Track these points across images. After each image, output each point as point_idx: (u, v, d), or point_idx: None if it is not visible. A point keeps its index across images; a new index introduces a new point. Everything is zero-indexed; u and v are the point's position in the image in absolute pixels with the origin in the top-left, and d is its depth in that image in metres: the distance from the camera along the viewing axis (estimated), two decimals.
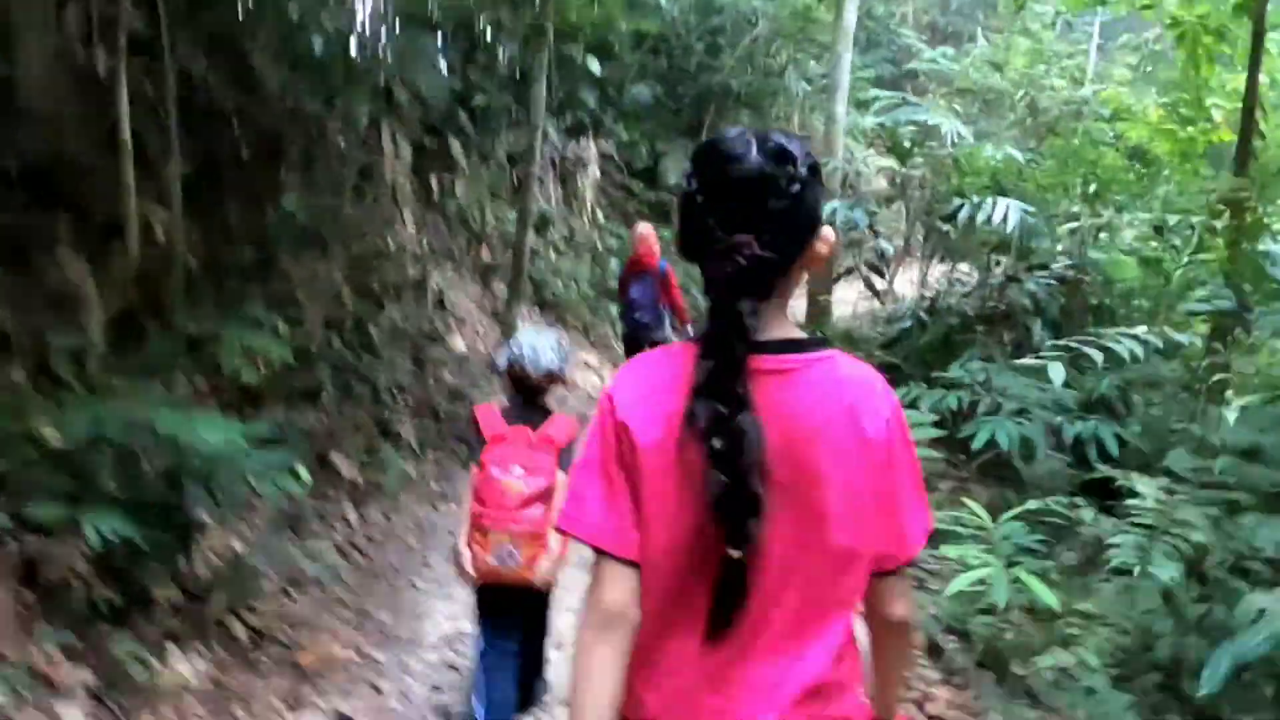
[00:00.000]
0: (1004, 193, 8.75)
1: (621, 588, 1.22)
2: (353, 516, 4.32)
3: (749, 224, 1.18)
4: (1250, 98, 5.69)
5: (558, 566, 2.88)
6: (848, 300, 10.88)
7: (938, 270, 10.30)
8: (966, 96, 10.54)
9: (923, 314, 8.74)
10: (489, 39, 9.43)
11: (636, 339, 7.22)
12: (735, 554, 1.17)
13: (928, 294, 9.47)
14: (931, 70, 12.99)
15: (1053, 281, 8.82)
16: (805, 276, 1.38)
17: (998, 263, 9.41)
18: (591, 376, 8.68)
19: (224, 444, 2.44)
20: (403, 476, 4.94)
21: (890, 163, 10.73)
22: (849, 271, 9.98)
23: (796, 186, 1.19)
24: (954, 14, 20.56)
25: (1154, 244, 8.23)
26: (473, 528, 2.87)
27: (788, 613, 1.23)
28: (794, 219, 1.21)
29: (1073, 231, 8.96)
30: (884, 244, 10.19)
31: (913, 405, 5.30)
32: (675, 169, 13.29)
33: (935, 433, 4.63)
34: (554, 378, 3.00)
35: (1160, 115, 7.62)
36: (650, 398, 1.24)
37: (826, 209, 8.80)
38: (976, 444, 5.14)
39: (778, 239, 1.19)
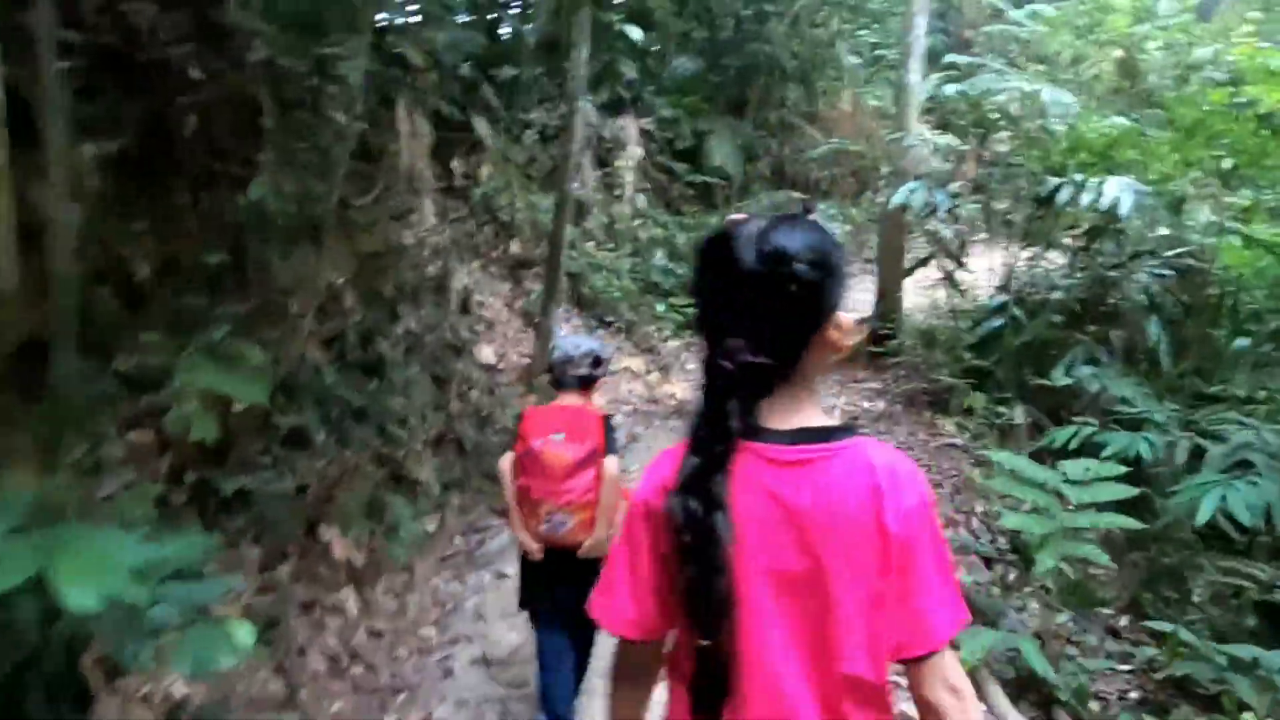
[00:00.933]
0: (1112, 170, 7.57)
1: (644, 652, 1.40)
2: (351, 604, 3.30)
3: (742, 327, 1.26)
4: None
5: (611, 536, 2.76)
6: (923, 291, 9.73)
7: (1022, 258, 9.11)
8: (1050, 64, 9.29)
9: (1016, 310, 7.57)
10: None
11: None
12: (704, 643, 1.25)
13: (1015, 285, 8.30)
14: (998, 35, 11.75)
15: (1168, 272, 7.62)
16: (832, 357, 1.35)
17: (1098, 251, 8.22)
18: (636, 385, 7.63)
19: (106, 603, 1.44)
20: (417, 539, 3.93)
21: (948, 139, 9.58)
22: (925, 261, 8.84)
23: (794, 286, 1.25)
24: None
25: None
26: (521, 505, 2.90)
27: (797, 700, 1.25)
28: (792, 318, 1.27)
29: (1197, 216, 7.76)
30: (963, 230, 9.04)
31: (1077, 452, 4.14)
32: (720, 149, 12.16)
33: (1125, 492, 3.49)
34: (598, 361, 3.06)
35: None
36: (662, 489, 1.31)
37: (901, 192, 7.61)
38: (1201, 517, 3.89)
39: (775, 340, 1.27)
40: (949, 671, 1.34)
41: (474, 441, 4.98)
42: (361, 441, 3.91)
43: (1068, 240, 8.46)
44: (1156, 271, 7.59)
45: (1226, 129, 6.77)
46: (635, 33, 9.51)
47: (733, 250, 1.26)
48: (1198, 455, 4.41)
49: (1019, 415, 7.35)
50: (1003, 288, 8.64)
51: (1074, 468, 3.87)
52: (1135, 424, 5.68)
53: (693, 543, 1.22)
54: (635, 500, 1.35)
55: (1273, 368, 7.10)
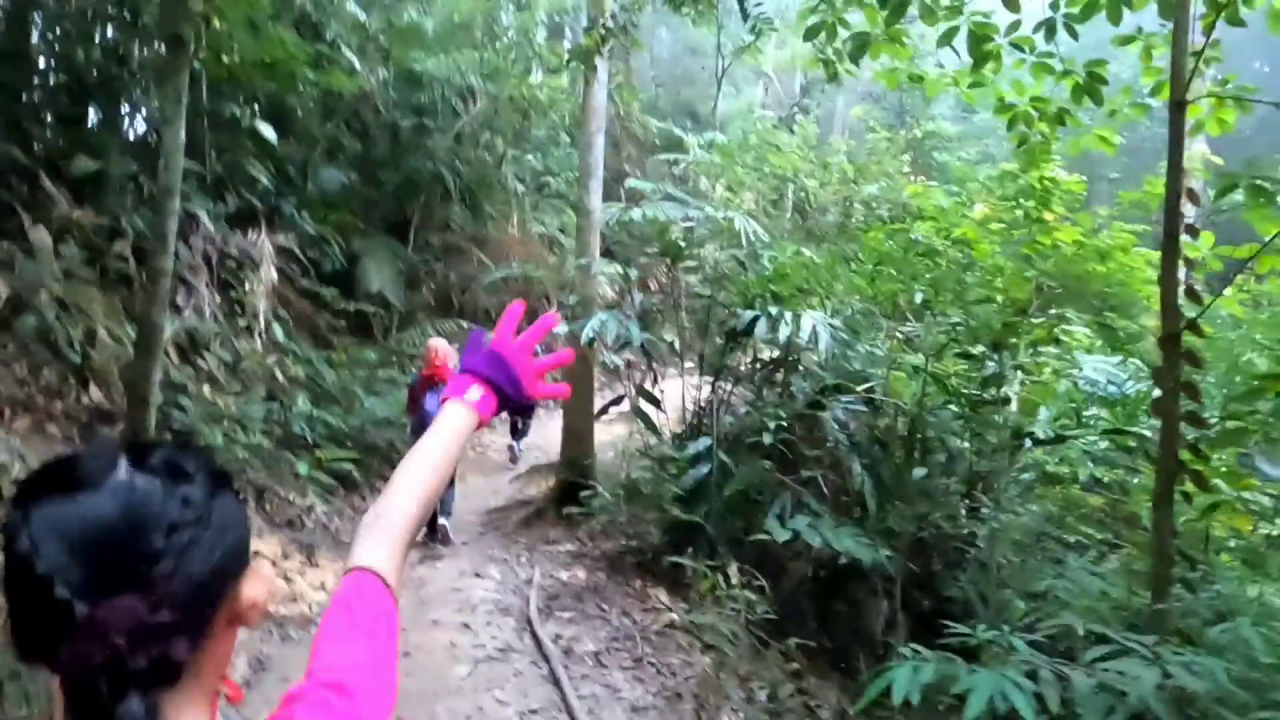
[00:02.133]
0: (801, 303, 7.21)
1: None
2: None
3: (119, 584, 0.80)
4: (1174, 191, 4.39)
5: None
6: (610, 429, 8.79)
7: (709, 394, 8.51)
8: (733, 193, 9.10)
9: (722, 455, 6.79)
10: (106, 70, 6.43)
11: None
12: None
13: (719, 429, 7.60)
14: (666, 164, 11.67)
15: (861, 408, 7.32)
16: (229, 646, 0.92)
17: (784, 386, 7.82)
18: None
19: None
20: None
21: (614, 269, 8.98)
22: (618, 400, 7.91)
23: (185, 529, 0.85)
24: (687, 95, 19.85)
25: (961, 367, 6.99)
26: None
27: None
28: (188, 571, 0.84)
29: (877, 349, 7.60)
30: (658, 367, 8.29)
31: None
32: (378, 274, 10.65)
33: None
34: None
35: (988, 214, 6.44)
36: None
37: (591, 324, 6.63)
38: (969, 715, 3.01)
39: (174, 603, 0.83)
40: None
41: None
42: None
43: (757, 376, 8.05)
44: (850, 407, 7.25)
45: (917, 262, 6.61)
46: (269, 132, 7.87)
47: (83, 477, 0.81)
48: None
49: (734, 575, 6.47)
50: (697, 427, 7.95)
51: None
52: None
53: None
54: None
55: (951, 496, 6.94)
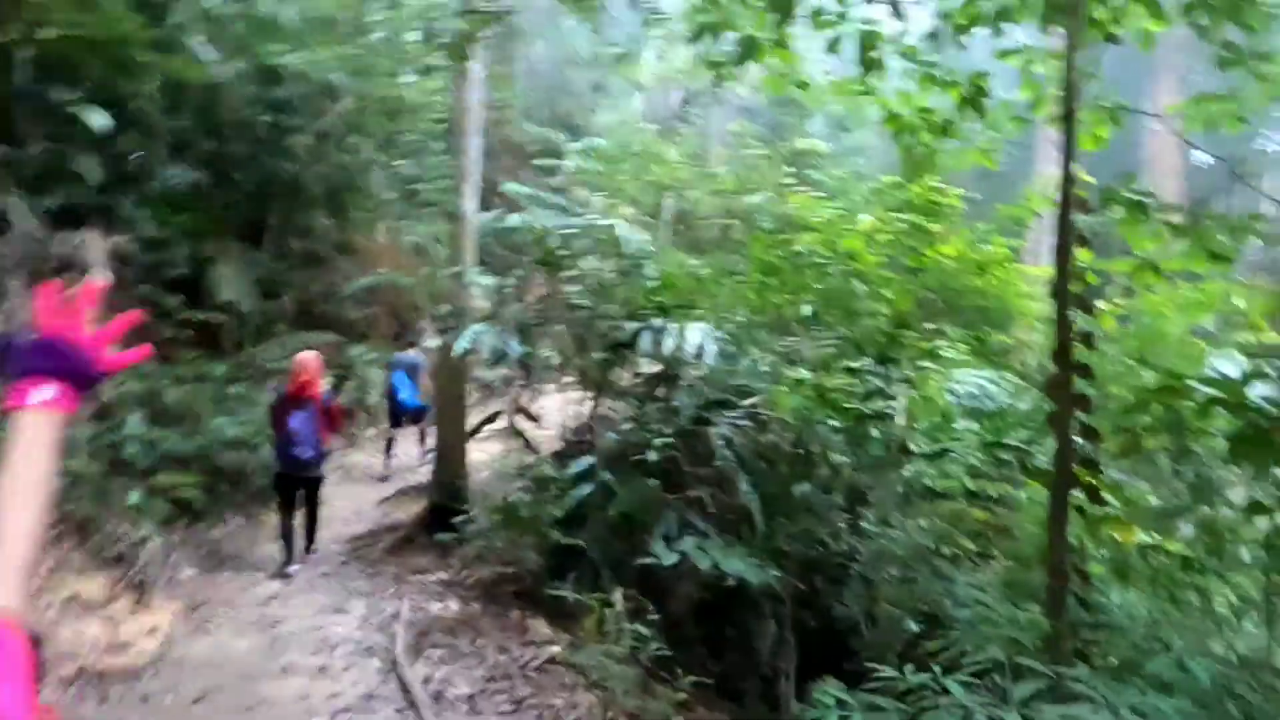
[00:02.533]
0: (687, 315, 6.97)
1: None
2: None
3: None
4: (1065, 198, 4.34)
5: None
6: (488, 450, 8.31)
7: (584, 410, 8.15)
8: (612, 201, 8.80)
9: (605, 474, 6.45)
10: None
11: (294, 477, 6.72)
12: None
13: (601, 445, 7.26)
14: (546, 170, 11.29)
15: (746, 422, 7.12)
16: None
17: (663, 400, 7.56)
18: (90, 625, 4.97)
19: None
20: None
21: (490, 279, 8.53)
22: (493, 418, 7.45)
23: None
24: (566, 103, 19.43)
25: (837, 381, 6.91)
26: None
27: None
28: None
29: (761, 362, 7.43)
30: (536, 383, 7.88)
31: None
32: (231, 282, 9.80)
33: None
34: None
35: (875, 225, 6.37)
36: None
37: (466, 336, 6.20)
38: None
39: None
40: None
41: None
42: None
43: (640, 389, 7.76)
44: (736, 422, 7.05)
45: (805, 274, 6.47)
46: (99, 120, 7.04)
47: None
48: None
49: (619, 602, 6.13)
50: (579, 445, 7.59)
51: None
52: None
53: None
54: None
55: (835, 511, 6.83)
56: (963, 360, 7.11)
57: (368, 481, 9.74)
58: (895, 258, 6.39)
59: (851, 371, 6.69)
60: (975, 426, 7.12)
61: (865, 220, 6.35)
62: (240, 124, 10.11)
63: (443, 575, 6.57)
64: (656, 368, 7.87)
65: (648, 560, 5.79)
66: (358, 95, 10.59)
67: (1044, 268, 7.28)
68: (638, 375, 8.05)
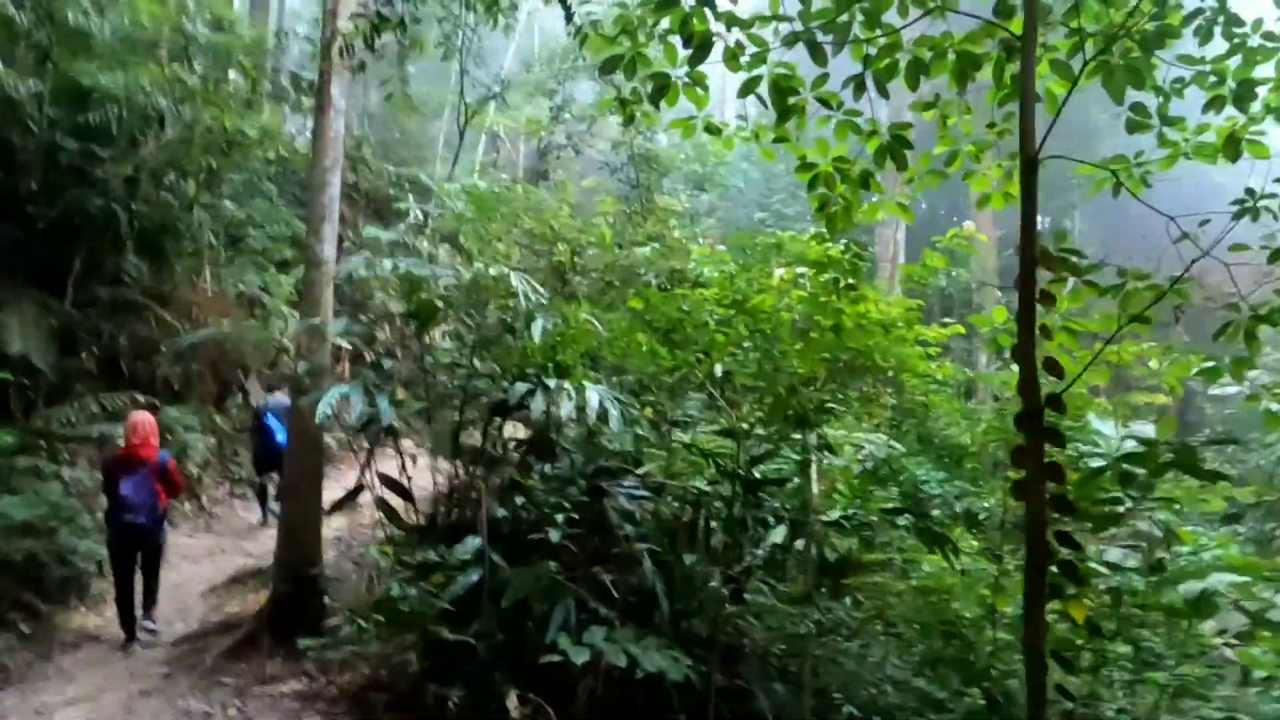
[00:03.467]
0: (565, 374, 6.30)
1: None
2: None
3: None
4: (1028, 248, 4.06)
5: None
6: (330, 524, 7.25)
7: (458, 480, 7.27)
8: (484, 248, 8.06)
9: (495, 557, 5.62)
10: None
11: (130, 546, 6.38)
12: None
13: (463, 511, 6.42)
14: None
15: (648, 495, 6.52)
16: None
17: (541, 470, 6.84)
18: None
19: None
20: None
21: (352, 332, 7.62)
22: (357, 492, 6.43)
23: None
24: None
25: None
26: None
27: None
28: None
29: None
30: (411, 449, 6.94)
31: None
32: (21, 332, 8.28)
33: None
34: None
35: (785, 281, 5.98)
36: None
37: (329, 397, 5.31)
38: None
39: None
40: None
41: None
42: None
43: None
44: (634, 493, 6.42)
45: (713, 332, 5.99)
46: None
47: None
48: None
49: (514, 707, 5.31)
50: (454, 522, 6.70)
51: None
52: None
53: None
54: None
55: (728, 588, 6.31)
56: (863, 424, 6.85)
57: (190, 563, 8.35)
58: (807, 316, 6.01)
59: (728, 434, 6.25)
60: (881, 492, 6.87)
61: (779, 274, 5.96)
62: (39, 151, 8.66)
63: (297, 685, 5.50)
64: (522, 432, 7.17)
65: (554, 658, 5.02)
66: (185, 125, 9.35)
67: (941, 330, 7.14)
68: (510, 441, 7.28)
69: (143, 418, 6.65)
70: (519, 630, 5.62)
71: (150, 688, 5.49)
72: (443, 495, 7.01)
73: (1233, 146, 4.96)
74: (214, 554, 8.93)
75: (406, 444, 6.85)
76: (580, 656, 4.99)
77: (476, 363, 6.57)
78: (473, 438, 6.87)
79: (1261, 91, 4.83)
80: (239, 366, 12.97)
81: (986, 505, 6.58)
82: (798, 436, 6.06)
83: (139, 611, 6.55)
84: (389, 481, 6.50)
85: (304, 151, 11.64)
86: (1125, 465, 4.23)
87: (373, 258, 6.42)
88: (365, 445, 7.48)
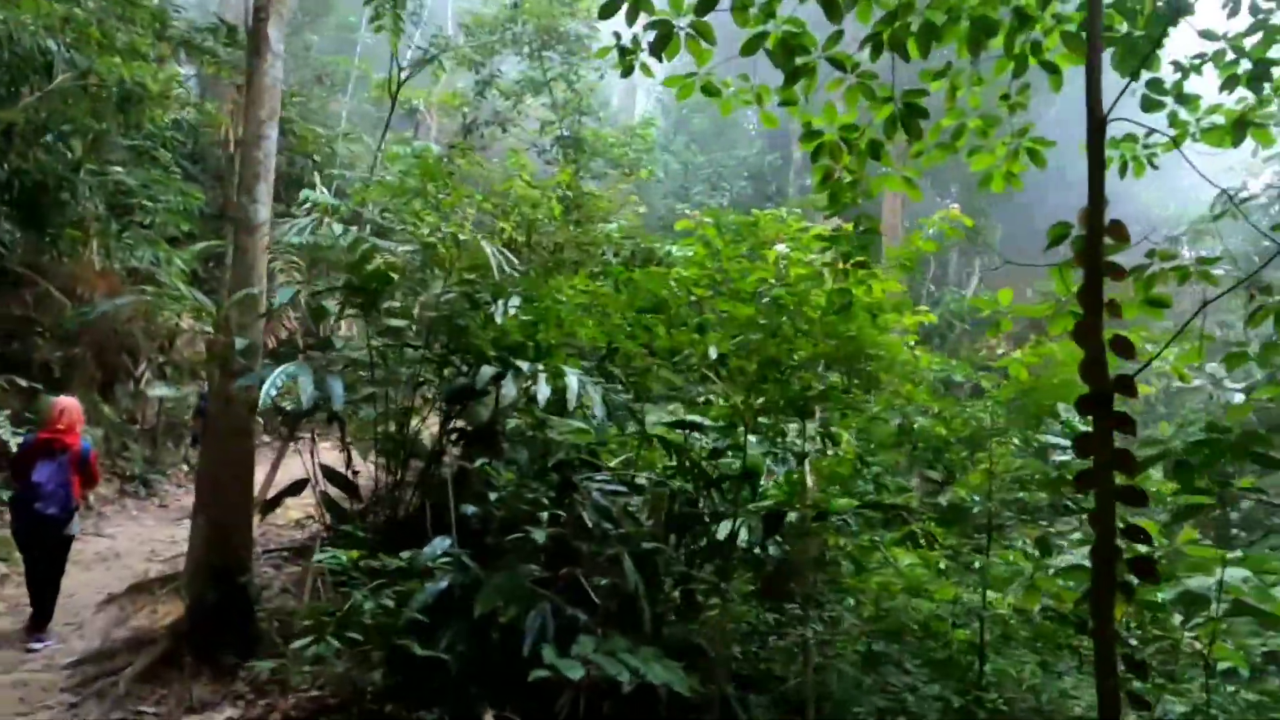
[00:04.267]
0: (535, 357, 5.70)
1: None
2: None
3: None
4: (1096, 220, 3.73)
5: None
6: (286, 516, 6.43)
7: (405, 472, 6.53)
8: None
9: (469, 561, 4.97)
10: None
11: (38, 536, 5.93)
12: None
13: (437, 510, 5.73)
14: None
15: (621, 489, 5.98)
16: None
17: (513, 461, 6.26)
18: None
19: None
20: None
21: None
22: (299, 487, 5.64)
23: None
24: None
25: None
26: None
27: None
28: None
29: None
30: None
31: None
32: None
33: None
34: None
35: (794, 257, 5.54)
36: None
37: (272, 379, 4.56)
38: None
39: None
40: None
41: None
42: None
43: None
44: (609, 488, 5.87)
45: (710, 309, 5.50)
46: None
47: None
48: None
49: None
50: (404, 521, 5.98)
51: None
52: None
53: None
54: None
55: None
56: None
57: (80, 569, 7.31)
58: (803, 296, 5.59)
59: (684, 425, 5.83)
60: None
61: (779, 248, 5.51)
62: None
63: (232, 713, 4.72)
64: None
65: (545, 672, 4.43)
66: (79, 71, 8.23)
67: (922, 314, 6.85)
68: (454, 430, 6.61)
69: (69, 402, 6.40)
70: (487, 641, 5.00)
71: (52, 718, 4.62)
72: (385, 491, 6.30)
73: (1240, 130, 4.79)
74: (107, 559, 7.91)
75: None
76: (574, 671, 4.42)
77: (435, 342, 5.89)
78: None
79: (1277, 73, 4.67)
80: (127, 352, 11.74)
81: (965, 498, 6.31)
82: (794, 426, 5.66)
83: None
84: (333, 475, 5.76)
85: (214, 110, 10.55)
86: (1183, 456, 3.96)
87: (317, 221, 5.66)
88: (292, 435, 6.72)
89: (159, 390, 10.70)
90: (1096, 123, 3.73)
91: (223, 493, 5.74)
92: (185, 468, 11.42)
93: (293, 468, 6.99)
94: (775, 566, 5.84)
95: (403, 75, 10.80)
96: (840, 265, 5.43)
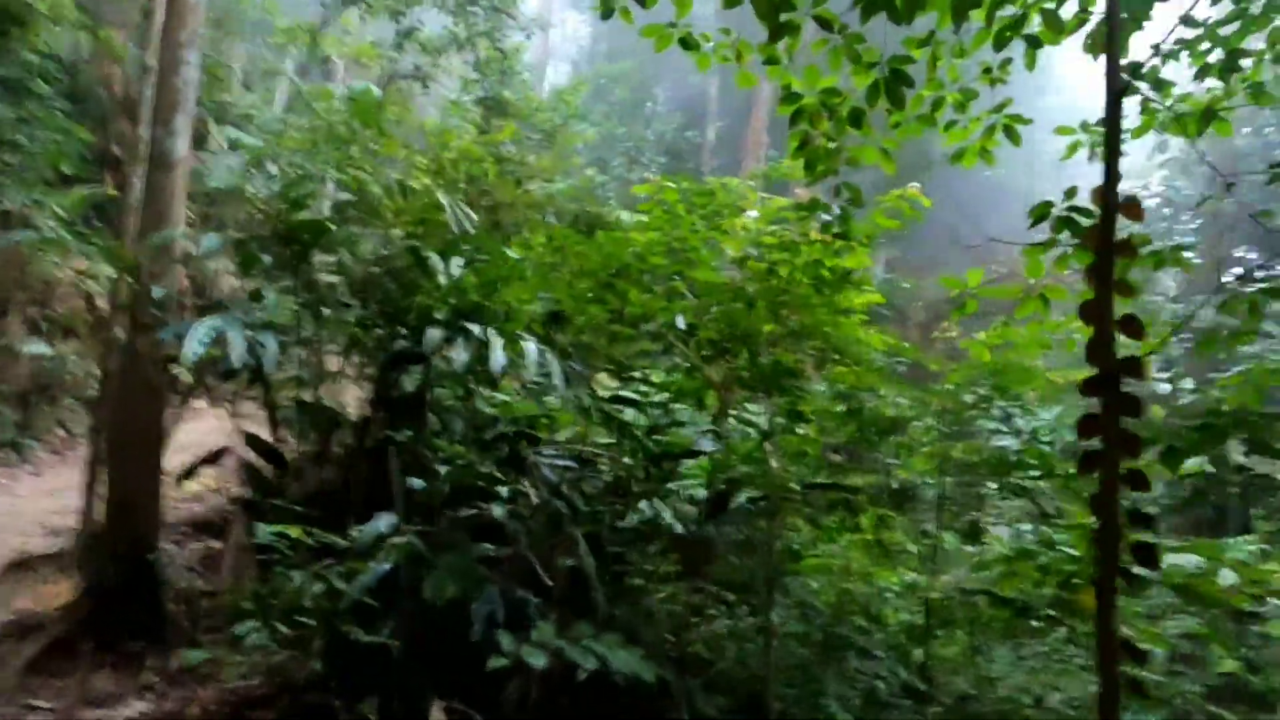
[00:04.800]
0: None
1: None
2: None
3: None
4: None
5: None
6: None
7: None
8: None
9: (416, 541, 4.55)
10: None
11: None
12: None
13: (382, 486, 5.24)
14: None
15: (571, 463, 5.66)
16: None
17: (452, 434, 5.83)
18: None
19: None
20: None
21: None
22: (219, 455, 5.07)
23: None
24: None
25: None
26: None
27: None
28: None
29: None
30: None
31: None
32: None
33: None
34: None
35: (758, 226, 5.28)
36: None
37: (196, 335, 4.13)
38: None
39: None
40: None
41: None
42: None
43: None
44: (558, 462, 5.54)
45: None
46: None
47: None
48: None
49: None
50: (330, 492, 5.47)
51: None
52: None
53: None
54: None
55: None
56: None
57: None
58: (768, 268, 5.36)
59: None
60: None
61: (750, 216, 5.25)
62: None
63: (143, 707, 4.18)
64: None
65: (502, 663, 4.08)
66: None
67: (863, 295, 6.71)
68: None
69: None
70: (433, 625, 4.61)
71: None
72: (304, 462, 5.76)
73: (1206, 121, 4.79)
74: None
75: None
76: (536, 659, 4.09)
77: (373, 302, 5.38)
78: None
79: (1246, 64, 4.68)
80: None
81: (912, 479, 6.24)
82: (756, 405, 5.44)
83: None
84: (256, 442, 5.20)
85: (105, 35, 9.53)
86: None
87: (242, 161, 5.07)
88: (197, 395, 6.10)
89: (32, 347, 9.69)
90: (1115, 93, 3.58)
91: (128, 460, 5.13)
92: (63, 432, 10.43)
93: (188, 434, 6.37)
94: (717, 548, 5.64)
95: (322, 22, 10.04)
96: (816, 236, 5.23)
